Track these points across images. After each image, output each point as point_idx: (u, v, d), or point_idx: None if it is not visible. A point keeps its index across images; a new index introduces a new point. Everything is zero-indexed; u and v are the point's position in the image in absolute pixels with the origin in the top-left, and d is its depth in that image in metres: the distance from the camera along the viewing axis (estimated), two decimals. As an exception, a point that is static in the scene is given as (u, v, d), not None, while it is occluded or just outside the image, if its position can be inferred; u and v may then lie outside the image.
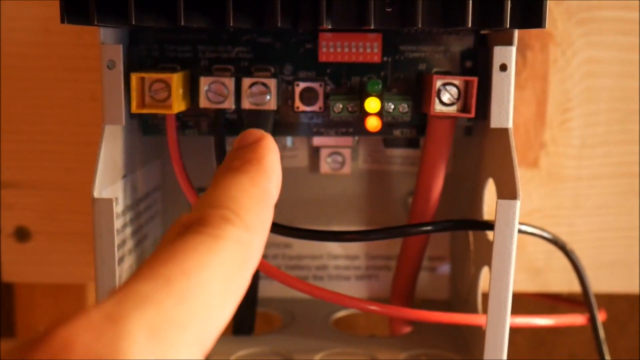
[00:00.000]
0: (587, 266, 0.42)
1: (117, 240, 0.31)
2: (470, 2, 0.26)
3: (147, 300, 0.17)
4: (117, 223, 0.32)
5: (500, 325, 0.30)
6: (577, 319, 0.38)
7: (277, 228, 0.34)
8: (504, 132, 0.31)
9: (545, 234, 0.35)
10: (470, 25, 0.26)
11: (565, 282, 0.43)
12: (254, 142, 0.24)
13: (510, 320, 0.35)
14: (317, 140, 0.38)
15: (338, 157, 0.40)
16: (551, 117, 0.41)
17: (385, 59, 0.34)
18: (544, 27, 0.26)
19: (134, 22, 0.26)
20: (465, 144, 0.38)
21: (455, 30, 0.33)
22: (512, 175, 0.30)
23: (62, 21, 0.27)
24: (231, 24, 0.27)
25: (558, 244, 0.36)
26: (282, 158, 0.41)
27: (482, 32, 0.34)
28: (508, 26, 0.26)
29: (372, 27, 0.27)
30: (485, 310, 0.31)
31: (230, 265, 0.19)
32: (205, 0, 0.27)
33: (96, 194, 0.30)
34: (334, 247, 0.42)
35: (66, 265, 0.44)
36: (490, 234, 0.33)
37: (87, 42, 0.41)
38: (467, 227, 0.36)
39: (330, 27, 0.28)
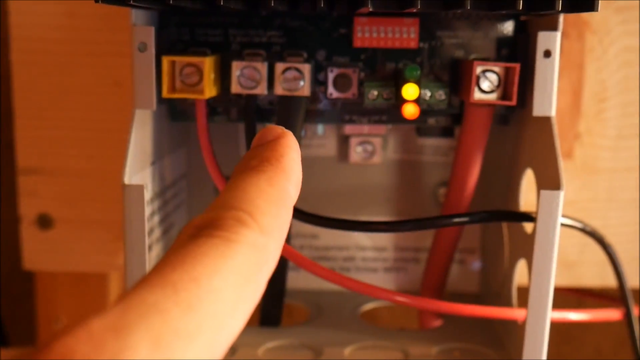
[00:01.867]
0: (621, 260, 0.41)
1: (146, 227, 0.30)
2: (521, -16, 0.25)
3: (153, 310, 0.16)
4: (146, 210, 0.31)
5: (540, 320, 0.29)
6: (613, 314, 0.37)
7: (304, 216, 0.33)
8: (546, 120, 0.30)
9: (584, 227, 0.34)
10: (520, 9, 0.25)
11: (597, 277, 0.42)
12: (273, 140, 0.22)
13: (557, 315, 0.34)
14: (348, 129, 0.37)
15: (368, 146, 0.39)
16: (586, 107, 0.40)
17: (421, 44, 0.33)
18: (597, 10, 0.25)
19: (170, 2, 0.26)
20: (500, 133, 0.37)
21: (497, 15, 0.32)
22: (555, 165, 0.29)
23: (97, 0, 0.26)
24: (268, 5, 0.26)
25: (596, 236, 0.35)
26: (309, 147, 0.40)
27: (522, 18, 0.33)
28: (560, 9, 0.25)
29: (414, 11, 0.26)
30: (520, 304, 0.31)
31: (244, 271, 0.18)
32: (242, -20, 0.26)
33: (127, 180, 0.29)
34: (362, 238, 0.41)
35: (88, 254, 0.43)
36: (527, 226, 0.33)
37: (111, 26, 0.40)
38: (504, 218, 0.35)
39: (371, 9, 0.27)
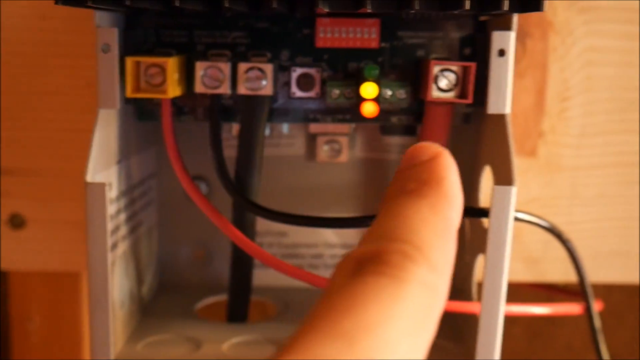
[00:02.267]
0: (585, 256, 0.42)
1: (110, 226, 0.31)
2: (468, -16, 0.26)
3: None
4: (111, 208, 0.32)
5: (494, 312, 0.30)
6: (573, 308, 0.38)
7: (275, 215, 0.33)
8: (501, 118, 0.31)
9: (541, 222, 0.35)
10: (468, 8, 0.26)
11: (561, 272, 0.43)
12: (430, 159, 0.20)
13: (506, 308, 0.34)
14: (313, 127, 0.38)
15: (335, 145, 0.40)
16: (550, 106, 0.41)
17: (383, 44, 0.34)
18: (543, 10, 0.26)
19: (128, 3, 0.26)
20: (463, 131, 0.38)
21: (454, 15, 0.33)
22: (508, 161, 0.30)
23: (57, 2, 0.27)
24: (226, 5, 0.26)
25: (554, 232, 0.36)
26: (278, 146, 0.41)
27: (481, 18, 0.34)
28: (507, 9, 0.26)
29: (368, 11, 0.27)
30: (480, 299, 0.31)
31: (417, 316, 0.16)
32: (200, -18, 0.27)
33: (89, 178, 0.30)
34: (330, 235, 0.42)
35: (61, 253, 0.44)
36: (486, 222, 0.33)
37: (82, 28, 0.41)
38: (463, 213, 0.36)
39: (326, 10, 0.27)
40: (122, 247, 0.34)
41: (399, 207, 0.19)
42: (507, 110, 0.31)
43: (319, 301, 0.16)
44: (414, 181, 0.20)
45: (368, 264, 0.17)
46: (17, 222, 0.43)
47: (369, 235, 0.18)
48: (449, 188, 0.20)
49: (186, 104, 0.35)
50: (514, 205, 0.29)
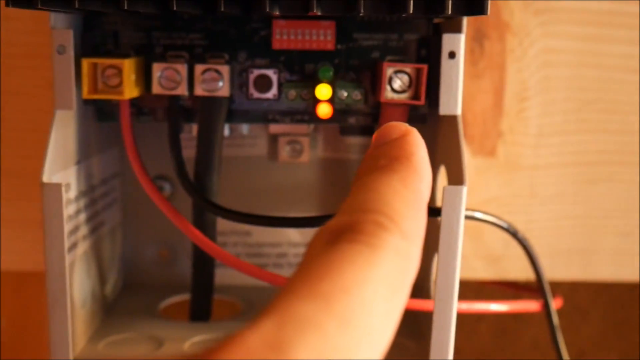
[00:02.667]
0: (544, 254, 0.43)
1: (68, 226, 0.31)
2: (413, -12, 0.27)
3: (308, 325, 0.15)
4: (70, 209, 0.32)
5: (447, 309, 0.31)
6: (531, 305, 0.39)
7: (233, 215, 0.34)
8: (453, 119, 0.31)
9: (496, 221, 0.36)
10: (412, 12, 0.26)
11: (522, 270, 0.43)
12: (399, 137, 0.21)
13: (466, 305, 0.35)
14: (273, 128, 0.38)
15: (296, 145, 0.40)
16: (508, 106, 0.42)
17: (338, 46, 0.34)
18: (486, 14, 0.27)
19: (77, 6, 0.26)
20: (421, 131, 0.38)
21: (405, 17, 0.33)
22: (459, 161, 0.30)
23: (7, 4, 0.27)
24: (174, 8, 0.27)
25: (510, 231, 0.36)
26: (241, 146, 0.42)
27: (435, 20, 0.34)
28: (450, 13, 0.27)
29: (317, 14, 0.27)
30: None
31: (392, 280, 0.17)
32: (151, -15, 0.27)
33: (45, 179, 0.30)
34: (294, 235, 0.43)
35: (26, 253, 0.44)
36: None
37: (43, 29, 0.41)
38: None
39: (277, 13, 0.28)
40: (83, 247, 0.34)
41: (371, 182, 0.19)
42: (458, 111, 0.31)
43: (297, 269, 0.17)
44: (385, 157, 0.20)
45: (343, 234, 0.17)
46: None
47: (343, 208, 0.19)
48: (418, 163, 0.20)
49: (145, 105, 0.35)
50: (464, 205, 0.30)
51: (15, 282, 0.47)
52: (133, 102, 0.34)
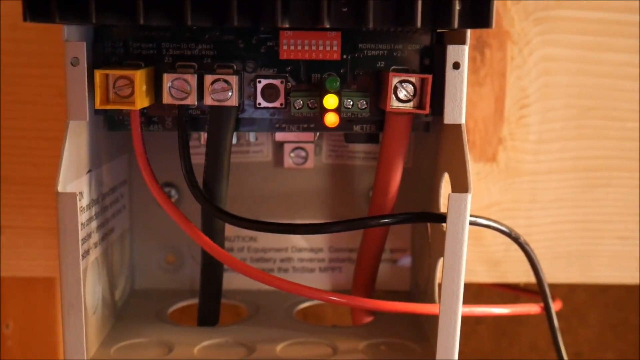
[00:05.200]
0: (545, 257, 0.43)
1: (82, 234, 0.32)
2: (420, 2, 0.27)
3: None
4: (82, 217, 0.32)
5: (452, 313, 0.31)
6: (533, 308, 0.40)
7: (241, 222, 0.35)
8: (457, 127, 0.32)
9: (498, 226, 0.36)
10: (420, 25, 0.27)
11: (523, 273, 0.44)
12: None
13: (468, 309, 0.36)
14: (279, 136, 0.39)
15: (301, 152, 0.41)
16: (509, 113, 0.43)
17: (344, 56, 0.35)
18: (492, 27, 0.28)
19: (94, 21, 0.27)
20: (424, 139, 0.39)
21: (410, 29, 0.34)
22: (464, 169, 0.31)
23: (25, 19, 0.28)
24: (189, 23, 0.27)
25: (512, 235, 0.37)
26: (247, 153, 0.42)
27: (439, 30, 0.35)
28: (456, 26, 0.27)
29: (327, 26, 0.28)
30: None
31: None
32: (165, -1, 0.28)
33: (60, 189, 0.30)
34: (298, 240, 0.43)
35: (35, 259, 0.45)
36: (445, 226, 0.35)
37: (54, 39, 0.42)
38: (422, 219, 0.37)
39: (287, 25, 0.28)
40: (94, 254, 0.35)
41: None
42: (462, 120, 0.32)
43: None
44: None
45: None
46: (-10, 229, 0.44)
47: None
48: None
49: (155, 114, 0.36)
50: (469, 211, 0.30)
51: (22, 288, 0.47)
52: (142, 111, 0.35)
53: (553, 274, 0.44)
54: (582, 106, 0.43)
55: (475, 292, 0.51)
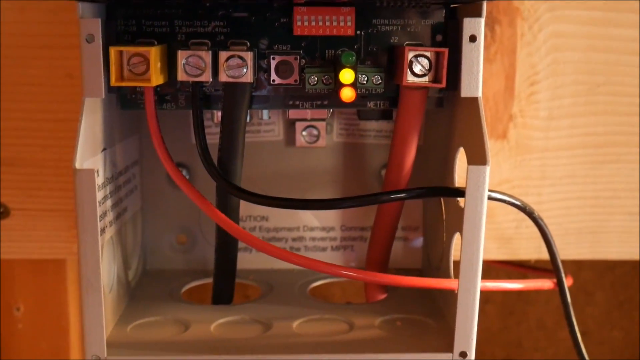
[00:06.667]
0: (554, 234, 0.43)
1: (98, 211, 0.32)
2: (440, -27, 0.27)
3: None
4: (99, 195, 0.32)
5: (471, 287, 0.32)
6: (545, 283, 0.40)
7: (257, 198, 0.34)
8: (474, 101, 0.32)
9: (514, 201, 0.36)
10: (439, -3, 0.27)
11: (533, 250, 0.44)
12: None
13: (481, 284, 0.36)
14: (292, 113, 0.39)
15: (314, 130, 0.41)
16: (519, 89, 0.43)
17: (358, 32, 0.35)
18: (509, -3, 0.27)
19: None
20: (437, 115, 0.39)
21: (426, 3, 0.34)
22: (481, 142, 0.31)
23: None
24: (209, -4, 0.27)
25: (526, 210, 0.37)
26: (259, 132, 0.42)
27: (452, 5, 0.35)
28: (475, -3, 0.27)
29: (343, 0, 0.28)
30: (457, 276, 0.33)
31: None
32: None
33: (78, 165, 0.30)
34: (310, 218, 0.43)
35: (45, 241, 0.44)
36: (461, 201, 0.35)
37: (62, 19, 0.41)
38: (439, 193, 0.37)
39: (301, 1, 0.28)
40: (109, 233, 0.35)
41: None
42: (479, 93, 0.32)
43: None
44: None
45: None
46: (1, 212, 0.44)
47: None
48: None
49: (168, 92, 0.36)
50: (487, 184, 0.31)
51: (32, 270, 0.47)
52: (154, 89, 0.35)
53: (563, 250, 0.44)
54: (591, 82, 0.43)
55: (484, 271, 0.51)
